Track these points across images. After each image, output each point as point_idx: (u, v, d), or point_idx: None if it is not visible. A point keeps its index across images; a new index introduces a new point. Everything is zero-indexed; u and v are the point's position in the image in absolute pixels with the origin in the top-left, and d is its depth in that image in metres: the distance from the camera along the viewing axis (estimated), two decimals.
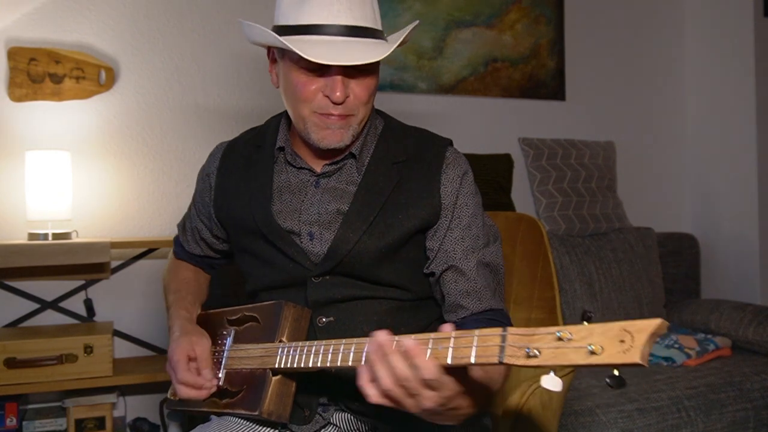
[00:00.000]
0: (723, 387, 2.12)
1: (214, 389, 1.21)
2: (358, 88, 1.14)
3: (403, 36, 1.17)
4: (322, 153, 1.21)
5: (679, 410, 2.00)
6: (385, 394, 0.87)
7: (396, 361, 0.86)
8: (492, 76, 2.80)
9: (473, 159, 2.56)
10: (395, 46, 1.13)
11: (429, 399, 0.86)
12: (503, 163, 2.64)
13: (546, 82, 2.90)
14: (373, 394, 0.88)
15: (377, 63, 1.14)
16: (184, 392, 1.20)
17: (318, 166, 1.24)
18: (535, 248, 1.71)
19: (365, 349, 0.93)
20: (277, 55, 1.19)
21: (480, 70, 2.78)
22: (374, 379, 0.88)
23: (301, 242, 1.21)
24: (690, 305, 2.71)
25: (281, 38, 1.09)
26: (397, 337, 0.89)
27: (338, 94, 1.11)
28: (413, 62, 2.67)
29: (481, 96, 2.79)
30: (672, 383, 2.11)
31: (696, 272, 2.95)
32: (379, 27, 1.15)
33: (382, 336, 0.88)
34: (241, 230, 1.28)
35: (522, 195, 2.77)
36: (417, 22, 1.22)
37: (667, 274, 2.84)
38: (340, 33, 1.10)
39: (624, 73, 3.06)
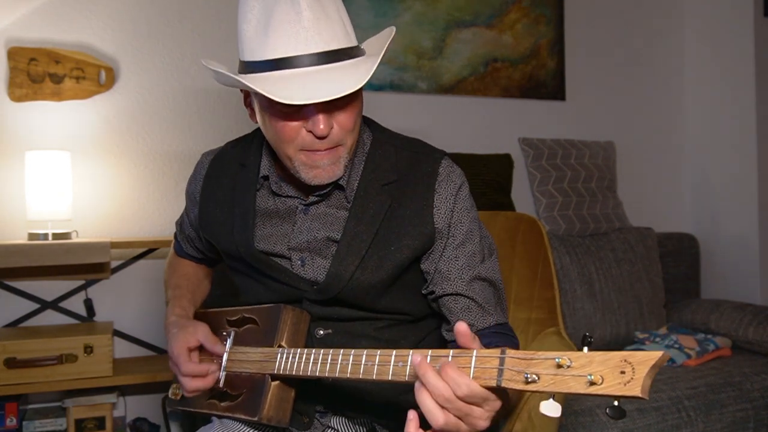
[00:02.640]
0: (723, 387, 2.12)
1: (219, 375, 1.19)
2: (343, 116, 1.05)
3: (383, 52, 1.06)
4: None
5: (679, 410, 2.00)
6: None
7: (435, 381, 0.81)
8: (492, 76, 2.80)
9: (473, 159, 2.57)
10: (375, 67, 1.01)
11: (480, 417, 0.82)
12: (503, 163, 2.64)
13: (546, 82, 2.89)
14: None
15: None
16: (191, 385, 1.17)
17: (305, 193, 1.18)
18: (535, 248, 1.71)
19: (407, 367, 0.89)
20: (251, 93, 1.11)
21: (480, 70, 2.78)
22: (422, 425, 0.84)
23: (293, 268, 1.18)
24: (690, 305, 2.71)
25: (248, 77, 1.01)
26: (430, 353, 0.87)
27: (322, 127, 1.02)
28: (413, 62, 2.67)
29: (481, 96, 2.79)
30: (672, 383, 2.11)
31: (696, 272, 2.95)
32: (353, 43, 1.05)
33: (417, 356, 0.85)
34: (228, 255, 1.25)
35: (522, 195, 2.77)
36: (393, 29, 1.14)
37: (667, 274, 2.84)
38: (312, 63, 1.00)
39: (624, 73, 3.06)
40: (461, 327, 0.84)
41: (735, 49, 2.94)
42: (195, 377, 1.17)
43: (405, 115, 2.64)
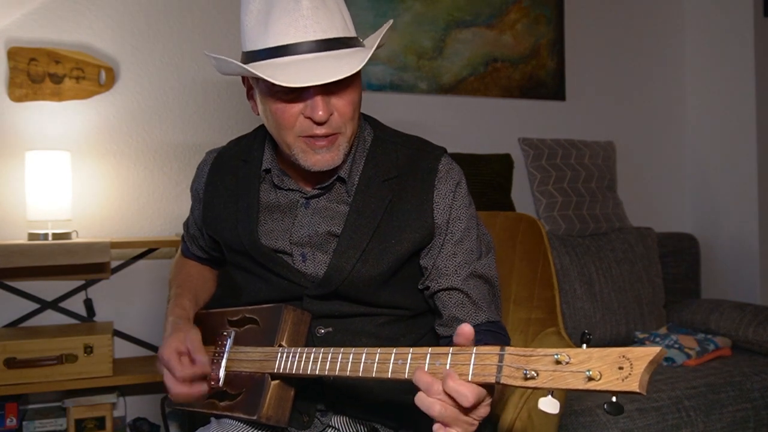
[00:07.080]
0: (723, 387, 2.12)
1: (209, 390, 1.18)
2: (341, 102, 1.08)
3: (378, 40, 1.10)
4: (311, 174, 1.16)
5: (679, 410, 2.00)
6: None
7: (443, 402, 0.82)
8: (492, 76, 2.80)
9: (473, 159, 2.57)
10: (370, 53, 1.05)
11: (483, 414, 0.84)
12: (503, 163, 2.64)
13: (546, 82, 2.89)
14: None
15: (357, 73, 1.07)
16: (177, 390, 1.14)
17: (307, 186, 1.20)
18: (535, 248, 1.71)
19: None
20: (252, 83, 1.15)
21: (480, 70, 2.78)
22: None
23: (294, 263, 1.19)
24: (690, 305, 2.71)
25: (249, 66, 1.04)
26: (429, 351, 0.87)
27: (320, 113, 1.05)
28: (413, 62, 2.67)
29: (481, 96, 2.79)
30: (672, 383, 2.11)
31: (696, 272, 2.95)
32: (351, 34, 1.09)
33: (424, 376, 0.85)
34: (231, 249, 1.26)
35: (522, 195, 2.77)
36: (390, 21, 1.17)
37: (667, 274, 2.84)
38: (310, 50, 1.03)
39: (624, 73, 3.06)
40: (466, 329, 0.84)
41: (735, 49, 2.95)
42: (183, 383, 1.14)
43: (405, 115, 2.64)
